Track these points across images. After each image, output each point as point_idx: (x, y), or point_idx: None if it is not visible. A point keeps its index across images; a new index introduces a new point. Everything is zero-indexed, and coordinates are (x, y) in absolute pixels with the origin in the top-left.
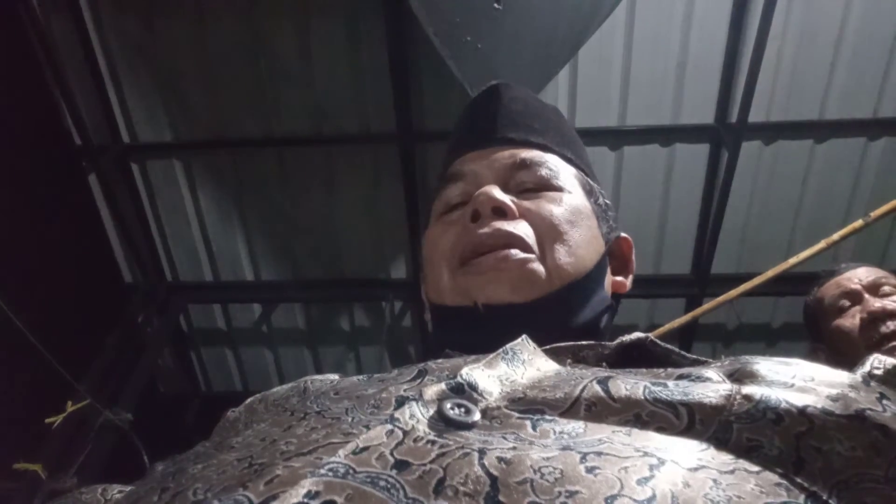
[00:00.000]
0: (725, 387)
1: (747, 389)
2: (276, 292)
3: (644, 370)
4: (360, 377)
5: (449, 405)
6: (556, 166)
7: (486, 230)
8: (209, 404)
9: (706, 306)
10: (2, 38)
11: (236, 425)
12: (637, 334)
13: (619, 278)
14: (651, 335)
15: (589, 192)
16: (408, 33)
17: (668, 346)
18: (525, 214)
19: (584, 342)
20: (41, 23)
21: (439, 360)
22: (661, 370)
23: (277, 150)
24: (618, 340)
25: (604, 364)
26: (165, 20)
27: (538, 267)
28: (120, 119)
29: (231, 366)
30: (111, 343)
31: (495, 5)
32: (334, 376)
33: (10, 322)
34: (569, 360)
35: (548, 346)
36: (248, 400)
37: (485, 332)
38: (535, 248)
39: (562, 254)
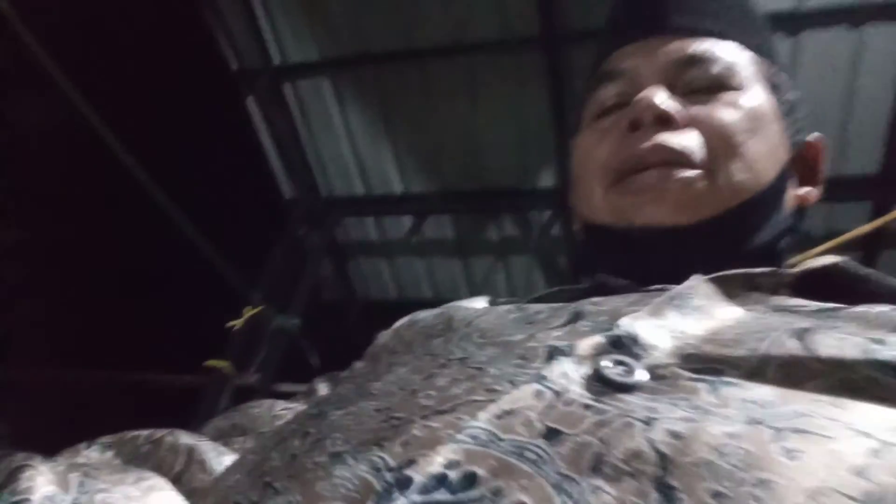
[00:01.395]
0: None
1: None
2: (424, 204)
3: (846, 310)
4: (508, 307)
5: (607, 362)
6: (734, 60)
7: (647, 144)
8: (367, 310)
9: None
10: None
11: (382, 356)
12: (828, 258)
13: (804, 190)
14: (843, 259)
15: (774, 89)
16: None
17: (866, 270)
18: (694, 122)
19: (758, 269)
20: None
21: (595, 300)
22: (869, 310)
23: (420, 62)
24: (803, 266)
25: (782, 293)
26: None
27: (706, 185)
28: (271, 42)
29: (385, 275)
30: (277, 255)
31: None
32: (481, 303)
33: (194, 240)
34: (739, 292)
35: (715, 275)
36: (397, 323)
37: (642, 256)
38: (705, 162)
39: (737, 169)
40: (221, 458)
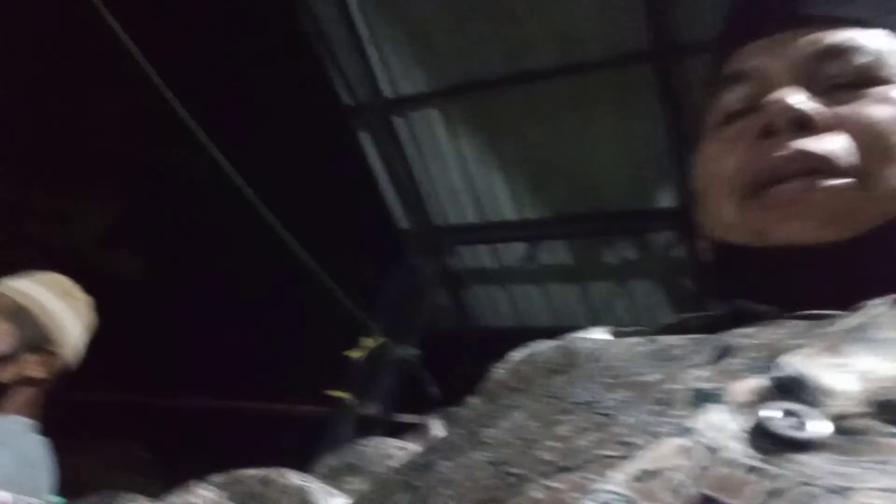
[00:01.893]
0: None
1: None
2: (538, 229)
3: None
4: (637, 340)
5: (773, 412)
6: (882, 48)
7: (783, 152)
8: (484, 339)
9: None
10: (271, 17)
11: (499, 393)
12: None
13: None
14: None
15: None
16: None
17: None
18: (839, 123)
19: None
20: None
21: (745, 331)
22: None
23: (527, 85)
24: None
25: None
26: None
27: (859, 194)
28: (380, 75)
29: (502, 303)
30: (393, 285)
31: None
32: (605, 335)
33: (311, 270)
34: None
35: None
36: (515, 358)
37: (784, 279)
38: (856, 168)
39: (894, 174)
40: (332, 501)
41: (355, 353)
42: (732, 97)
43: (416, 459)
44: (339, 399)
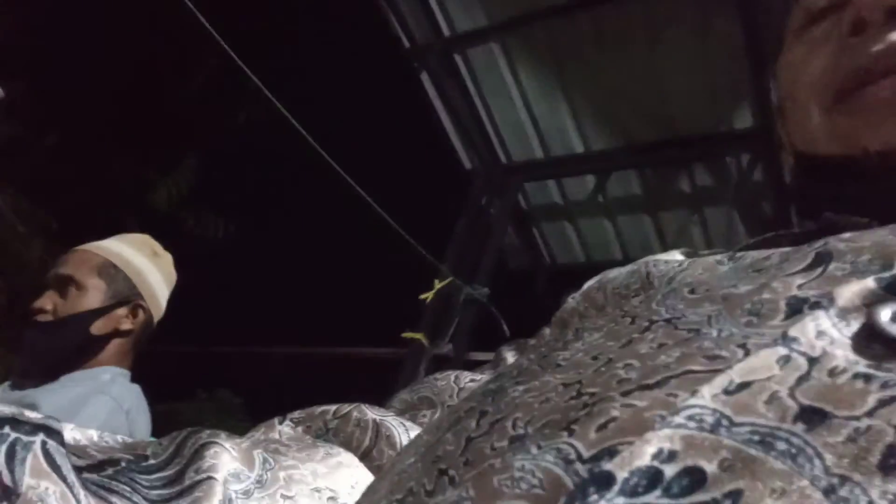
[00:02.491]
0: None
1: None
2: (608, 161)
3: None
4: (718, 257)
5: (887, 314)
6: None
7: (878, 46)
8: (555, 276)
9: None
10: None
11: (571, 321)
12: None
13: None
14: None
15: None
16: None
17: None
18: None
19: None
20: None
21: (846, 235)
22: None
23: (591, 11)
24: None
25: None
26: None
27: None
28: (438, 14)
29: (572, 238)
30: (462, 226)
31: None
32: (678, 256)
33: (382, 217)
34: None
35: None
36: (587, 285)
37: (882, 188)
38: None
39: None
40: (409, 433)
41: (426, 296)
42: None
43: (487, 385)
44: (415, 340)
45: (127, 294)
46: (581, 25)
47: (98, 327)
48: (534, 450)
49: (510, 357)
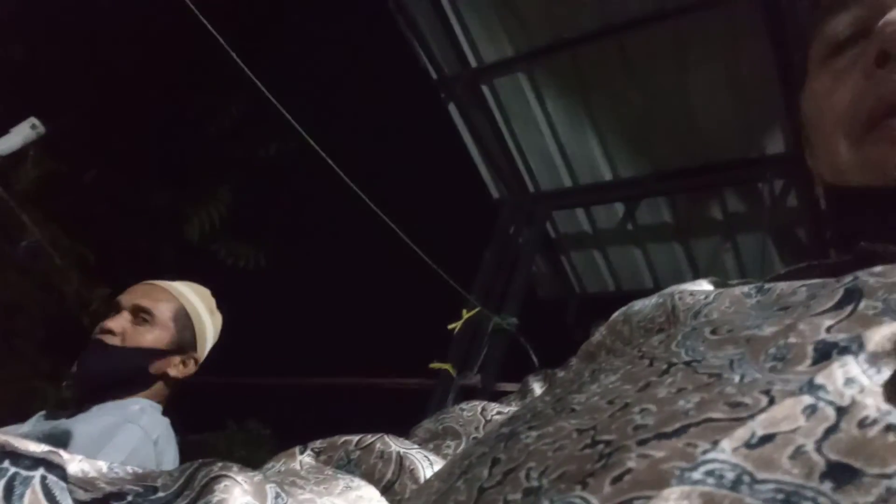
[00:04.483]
0: None
1: None
2: (636, 188)
3: None
4: (746, 289)
5: None
6: None
7: None
8: (585, 305)
9: None
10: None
11: (599, 354)
12: None
13: None
14: None
15: None
16: None
17: None
18: None
19: None
20: None
21: (877, 270)
22: None
23: (618, 38)
24: None
25: None
26: None
27: None
28: (465, 45)
29: (601, 267)
30: (490, 255)
31: None
32: (706, 286)
33: (410, 248)
34: None
35: None
36: (612, 317)
37: None
38: None
39: None
40: (433, 468)
41: (454, 325)
42: (840, 23)
43: (500, 430)
44: (443, 370)
45: (187, 344)
46: (608, 52)
47: (155, 367)
48: None
49: (537, 388)
